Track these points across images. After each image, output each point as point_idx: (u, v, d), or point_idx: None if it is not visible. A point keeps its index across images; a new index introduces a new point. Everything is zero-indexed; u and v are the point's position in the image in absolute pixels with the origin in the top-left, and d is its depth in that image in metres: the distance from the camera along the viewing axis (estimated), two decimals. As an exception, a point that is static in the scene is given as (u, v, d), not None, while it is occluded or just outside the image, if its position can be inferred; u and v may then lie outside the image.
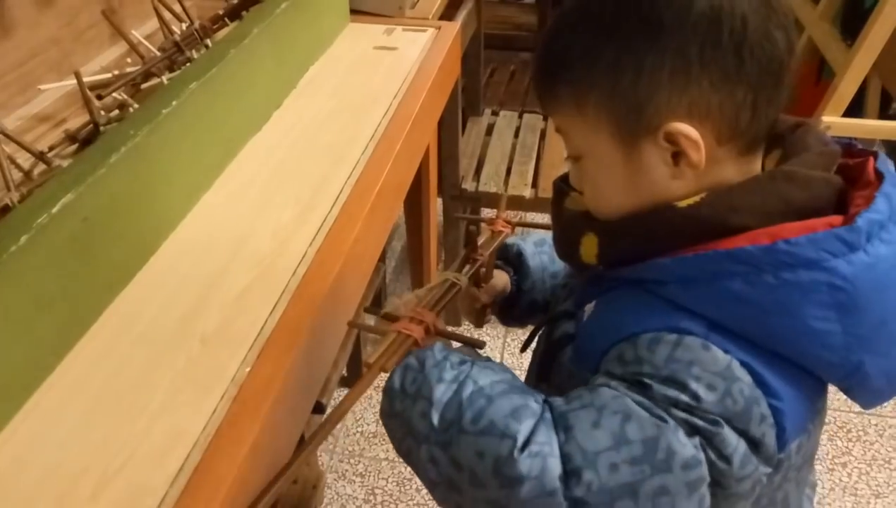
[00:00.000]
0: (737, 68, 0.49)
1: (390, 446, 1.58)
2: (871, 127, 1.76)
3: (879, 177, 0.52)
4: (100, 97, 0.98)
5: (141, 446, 0.60)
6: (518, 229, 0.81)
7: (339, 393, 1.74)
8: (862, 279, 0.46)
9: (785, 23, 0.50)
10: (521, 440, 0.48)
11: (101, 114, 0.97)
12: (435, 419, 0.51)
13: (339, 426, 1.64)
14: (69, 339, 0.69)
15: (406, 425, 0.54)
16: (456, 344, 0.62)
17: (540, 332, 0.72)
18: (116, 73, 1.09)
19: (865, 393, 0.51)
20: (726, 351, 0.48)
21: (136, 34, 1.17)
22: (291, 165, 0.98)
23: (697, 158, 0.51)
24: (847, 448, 1.59)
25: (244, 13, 1.26)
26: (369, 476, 1.55)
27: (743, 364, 0.48)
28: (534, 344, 0.73)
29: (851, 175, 0.54)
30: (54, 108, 1.06)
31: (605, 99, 0.52)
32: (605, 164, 0.54)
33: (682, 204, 0.51)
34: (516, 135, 2.01)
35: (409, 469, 1.53)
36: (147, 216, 0.80)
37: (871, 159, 0.54)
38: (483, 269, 0.75)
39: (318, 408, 1.33)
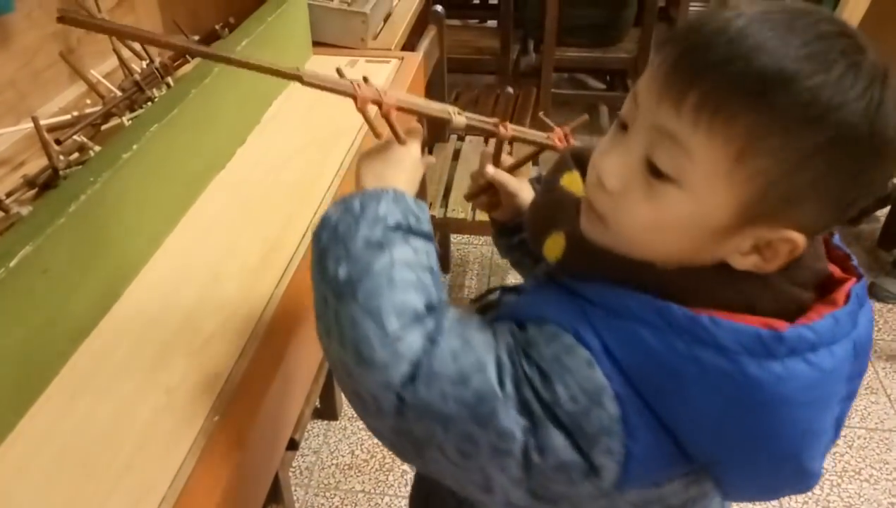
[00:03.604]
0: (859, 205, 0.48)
1: (366, 478, 1.58)
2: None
3: (846, 298, 0.51)
4: (58, 141, 0.97)
5: (106, 506, 0.58)
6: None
7: (314, 426, 1.73)
8: (764, 387, 0.45)
9: None
10: (391, 336, 0.51)
11: (61, 158, 0.95)
12: (342, 272, 0.54)
13: (313, 459, 1.62)
14: (29, 395, 0.67)
15: (321, 259, 0.56)
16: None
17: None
18: (76, 114, 1.07)
19: (726, 489, 0.53)
20: (609, 378, 0.48)
21: (96, 73, 1.16)
22: (256, 204, 0.97)
23: (778, 266, 0.49)
24: (818, 460, 1.61)
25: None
26: (345, 509, 1.54)
27: (618, 396, 0.48)
28: None
29: (829, 285, 0.52)
30: (12, 152, 1.04)
31: (774, 174, 0.45)
32: (699, 215, 0.47)
33: (660, 265, 0.50)
34: (483, 159, 2.02)
35: (385, 500, 1.53)
36: (109, 263, 0.78)
37: (853, 281, 0.52)
38: (509, 158, 0.74)
39: (292, 445, 1.32)
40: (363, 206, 0.56)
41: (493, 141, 0.73)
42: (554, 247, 0.55)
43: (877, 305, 2.03)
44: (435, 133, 2.08)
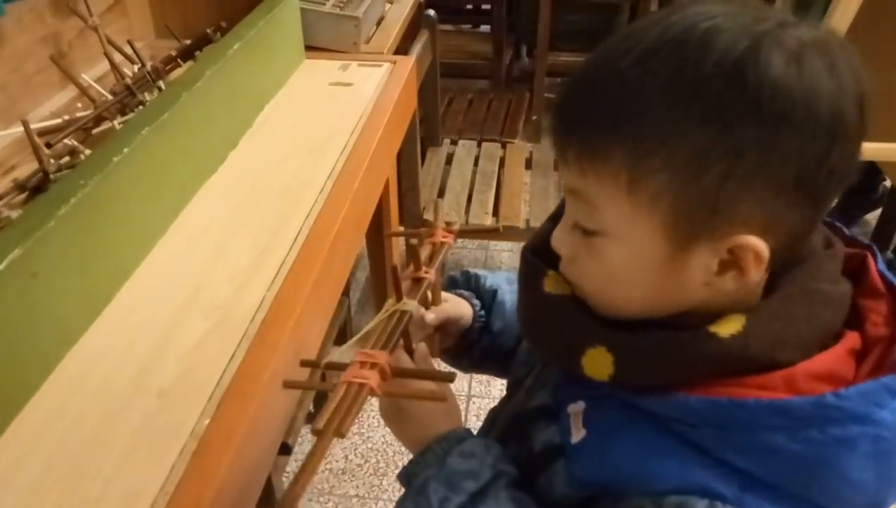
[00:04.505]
0: (823, 189, 0.44)
1: (360, 482, 1.57)
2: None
3: (887, 285, 0.49)
4: (49, 145, 0.97)
5: (96, 510, 0.58)
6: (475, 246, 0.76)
7: (308, 430, 1.72)
8: None
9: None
10: None
11: (51, 162, 0.95)
12: None
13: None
14: (18, 400, 0.67)
15: None
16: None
17: (509, 413, 0.64)
18: (67, 118, 1.07)
19: None
20: None
21: (87, 77, 1.16)
22: (248, 208, 0.97)
23: (756, 277, 0.45)
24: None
25: (197, 53, 1.26)
26: (339, 514, 1.53)
27: None
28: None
29: (848, 268, 0.50)
30: (3, 156, 1.04)
31: (675, 187, 0.43)
32: (637, 254, 0.46)
33: (724, 334, 0.45)
34: (476, 163, 2.03)
35: (379, 505, 1.52)
36: (99, 267, 0.78)
37: (870, 258, 0.50)
38: (429, 293, 0.66)
39: (285, 449, 1.31)
40: None
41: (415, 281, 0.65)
42: (599, 364, 0.49)
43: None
44: (427, 136, 2.08)
